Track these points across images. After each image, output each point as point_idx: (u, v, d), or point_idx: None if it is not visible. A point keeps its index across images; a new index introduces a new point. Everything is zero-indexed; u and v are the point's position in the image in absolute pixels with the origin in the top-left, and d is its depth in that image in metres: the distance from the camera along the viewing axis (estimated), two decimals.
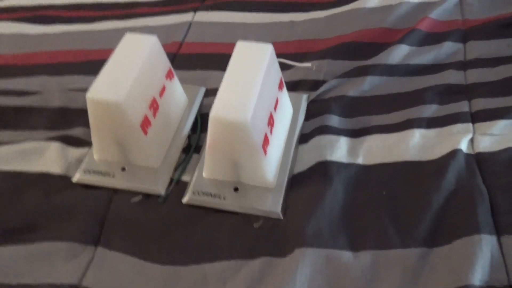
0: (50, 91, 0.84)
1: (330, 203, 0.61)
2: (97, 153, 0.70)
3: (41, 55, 0.93)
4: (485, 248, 0.54)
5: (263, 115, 0.61)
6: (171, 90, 0.73)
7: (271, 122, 0.64)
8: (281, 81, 0.68)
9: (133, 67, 0.65)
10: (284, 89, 0.70)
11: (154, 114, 0.68)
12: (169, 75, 0.72)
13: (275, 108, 0.65)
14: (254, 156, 0.61)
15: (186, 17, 0.96)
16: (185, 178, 0.69)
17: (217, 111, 0.57)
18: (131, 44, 0.69)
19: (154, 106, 0.68)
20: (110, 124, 0.64)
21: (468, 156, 0.65)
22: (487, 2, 0.87)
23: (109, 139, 0.67)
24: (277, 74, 0.67)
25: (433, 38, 0.82)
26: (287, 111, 0.72)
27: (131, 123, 0.63)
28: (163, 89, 0.70)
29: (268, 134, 0.63)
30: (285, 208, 0.63)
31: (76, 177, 0.69)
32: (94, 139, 0.68)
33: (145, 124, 0.65)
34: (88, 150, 0.72)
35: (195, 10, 0.98)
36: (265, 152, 0.61)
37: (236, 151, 0.61)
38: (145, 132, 0.65)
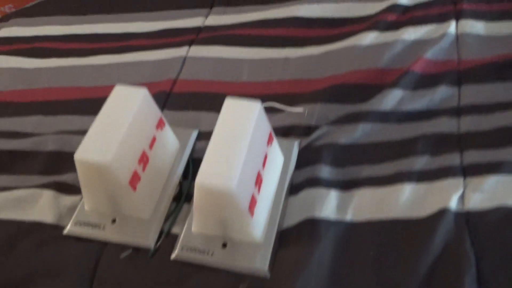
0: (44, 133, 0.84)
1: (316, 267, 0.61)
2: (87, 204, 0.71)
3: (36, 92, 0.93)
4: None
5: (250, 177, 0.61)
6: (162, 140, 0.73)
7: (259, 181, 0.64)
8: (270, 136, 0.68)
9: (122, 124, 0.65)
10: (274, 141, 0.70)
11: (144, 168, 0.68)
12: (159, 125, 0.73)
13: (263, 165, 0.65)
14: (240, 219, 0.61)
15: (181, 51, 0.96)
16: (175, 229, 0.70)
17: (202, 178, 0.57)
18: (120, 97, 0.69)
19: (144, 159, 0.68)
20: (99, 182, 0.64)
21: (457, 215, 0.64)
22: (484, 41, 0.85)
23: (99, 195, 0.67)
24: (266, 130, 0.67)
25: (427, 80, 0.81)
26: (277, 162, 0.72)
27: (119, 182, 0.63)
28: (153, 141, 0.71)
29: (256, 194, 0.63)
30: (272, 266, 0.64)
31: (67, 229, 0.70)
32: (84, 193, 0.69)
33: (134, 180, 0.66)
34: (81, 198, 0.73)
35: (190, 43, 0.98)
36: (252, 213, 0.62)
37: (222, 214, 0.61)
38: (134, 188, 0.66)
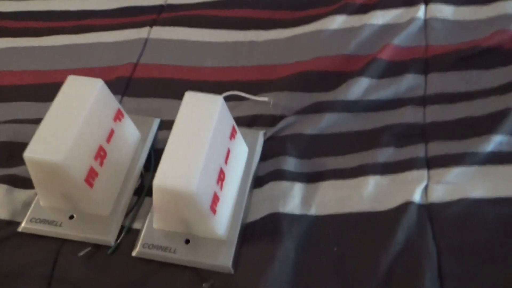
0: None
1: (280, 264, 0.60)
2: (43, 201, 0.68)
3: None
4: None
5: (211, 176, 0.59)
6: (121, 132, 0.70)
7: (221, 178, 0.62)
8: (233, 129, 0.66)
9: (76, 118, 0.61)
10: (238, 134, 0.68)
11: (101, 163, 0.65)
12: (117, 117, 0.69)
13: (226, 161, 0.63)
14: (202, 218, 0.59)
15: (142, 32, 0.91)
16: (137, 225, 0.68)
17: (161, 179, 0.55)
18: (74, 89, 0.65)
19: (100, 154, 0.65)
20: (52, 181, 0.61)
21: (420, 207, 0.64)
22: (452, 26, 0.84)
23: (53, 192, 0.64)
24: (228, 125, 0.65)
25: (394, 68, 0.79)
26: (242, 154, 0.70)
27: (74, 181, 0.61)
28: (111, 134, 0.67)
29: (218, 191, 0.61)
30: (236, 262, 0.63)
31: (22, 227, 0.67)
32: (38, 191, 0.66)
33: (91, 176, 0.63)
34: (36, 193, 0.70)
35: (151, 24, 0.93)
36: (214, 212, 0.60)
37: (183, 214, 0.59)
38: (91, 185, 0.63)
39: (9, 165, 0.74)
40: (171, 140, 0.58)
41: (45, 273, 0.63)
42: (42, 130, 0.60)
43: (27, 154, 0.58)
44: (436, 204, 0.65)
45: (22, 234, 0.67)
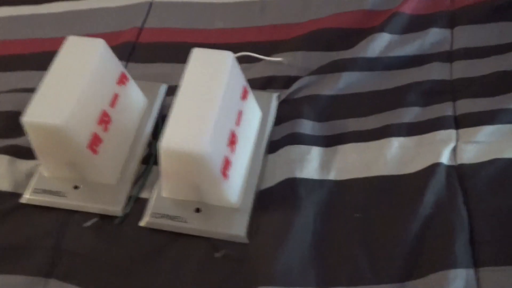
0: (0, 91, 0.76)
1: (299, 232, 0.56)
2: (46, 170, 0.64)
3: None
4: (461, 284, 0.50)
5: (222, 138, 0.55)
6: (125, 96, 0.65)
7: (232, 141, 0.58)
8: (245, 90, 0.61)
9: (77, 80, 0.58)
10: (250, 95, 0.63)
11: (106, 128, 0.61)
12: (122, 80, 0.65)
13: (238, 123, 0.59)
14: (213, 183, 0.55)
15: None
16: (145, 194, 0.64)
17: (168, 141, 0.51)
18: (74, 50, 0.61)
19: (104, 120, 0.61)
20: (54, 147, 0.58)
21: (449, 169, 0.59)
22: None
23: (56, 160, 0.61)
24: (240, 84, 0.60)
25: (417, 23, 0.74)
26: (254, 117, 0.66)
27: (77, 146, 0.57)
28: (115, 98, 0.63)
29: (230, 155, 0.57)
30: (251, 231, 0.59)
31: (25, 198, 0.64)
32: (41, 160, 0.62)
33: (94, 143, 0.59)
34: (38, 163, 0.66)
35: None
36: (225, 176, 0.56)
37: (193, 179, 0.55)
38: (95, 152, 0.59)
39: (11, 135, 0.71)
40: (178, 99, 0.54)
41: (52, 245, 0.60)
42: (41, 93, 0.57)
43: (26, 118, 0.55)
44: (466, 165, 0.59)
45: (26, 205, 0.64)
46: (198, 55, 0.57)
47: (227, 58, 0.57)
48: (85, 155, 0.58)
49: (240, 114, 0.60)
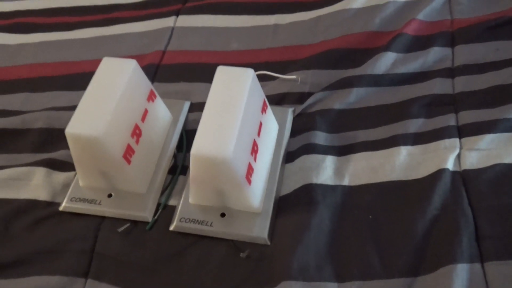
0: (32, 110, 0.82)
1: (316, 232, 0.61)
2: (82, 180, 0.70)
3: (21, 69, 0.91)
4: (467, 277, 0.55)
5: (246, 146, 0.60)
6: (154, 112, 0.71)
7: (254, 150, 0.63)
8: (264, 103, 0.67)
9: (112, 96, 0.63)
10: (268, 109, 0.69)
11: (137, 141, 0.67)
12: (150, 97, 0.71)
13: (258, 133, 0.64)
14: (238, 188, 0.61)
15: (168, 22, 0.93)
16: (172, 202, 0.69)
17: (197, 148, 0.56)
18: (109, 70, 0.67)
19: (136, 133, 0.67)
20: (92, 157, 0.63)
21: (454, 174, 0.64)
22: None
23: (93, 170, 0.66)
24: (259, 98, 0.66)
25: (420, 42, 0.80)
26: (272, 130, 0.71)
27: (113, 156, 0.62)
28: (145, 113, 0.69)
29: (252, 162, 0.62)
30: (272, 233, 0.64)
31: (63, 206, 0.69)
32: (78, 169, 0.67)
33: (128, 153, 0.65)
34: (74, 174, 0.72)
35: (177, 13, 0.95)
36: (249, 182, 0.61)
37: (219, 184, 0.60)
38: (129, 162, 0.65)
39: (47, 150, 0.77)
40: (205, 112, 0.59)
41: (86, 248, 0.65)
42: (81, 109, 0.62)
43: (69, 130, 0.60)
44: (470, 170, 0.64)
45: (62, 213, 0.69)
46: (222, 72, 0.63)
47: (248, 74, 0.63)
48: (119, 164, 0.64)
49: (260, 125, 0.65)
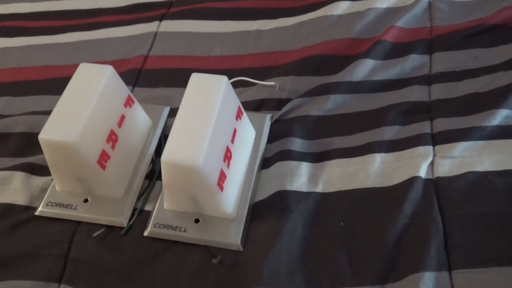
0: (14, 114, 0.83)
1: (288, 239, 0.61)
2: (58, 185, 0.70)
3: (4, 73, 0.91)
4: (434, 285, 0.55)
5: (218, 153, 0.61)
6: (131, 117, 0.72)
7: (227, 156, 0.63)
8: (239, 110, 0.68)
9: (87, 102, 0.64)
10: (244, 116, 0.69)
11: (113, 147, 0.67)
12: (128, 103, 0.71)
13: (232, 140, 0.65)
14: (210, 194, 0.61)
15: (151, 26, 0.94)
16: (148, 207, 0.70)
17: (168, 155, 0.57)
18: (85, 75, 0.67)
19: (112, 138, 0.67)
20: (66, 163, 0.64)
21: (427, 182, 0.65)
22: (457, 6, 0.85)
23: (68, 175, 0.67)
24: (234, 105, 0.66)
25: (399, 49, 0.80)
26: (249, 137, 0.72)
27: (87, 162, 0.63)
28: (122, 119, 0.70)
29: (225, 169, 0.62)
30: (245, 239, 0.64)
31: (39, 210, 0.69)
32: (53, 174, 0.68)
33: (103, 159, 0.65)
34: (52, 179, 0.72)
35: (160, 18, 0.95)
36: (221, 188, 0.61)
37: (191, 190, 0.61)
38: (104, 167, 0.65)
39: (26, 154, 0.77)
40: (178, 118, 0.60)
41: (61, 253, 0.65)
42: (55, 114, 0.63)
43: (42, 135, 0.61)
44: (442, 178, 0.65)
45: (39, 217, 0.70)
46: (196, 80, 0.64)
47: (222, 81, 0.63)
48: (94, 170, 0.64)
49: (234, 132, 0.66)
